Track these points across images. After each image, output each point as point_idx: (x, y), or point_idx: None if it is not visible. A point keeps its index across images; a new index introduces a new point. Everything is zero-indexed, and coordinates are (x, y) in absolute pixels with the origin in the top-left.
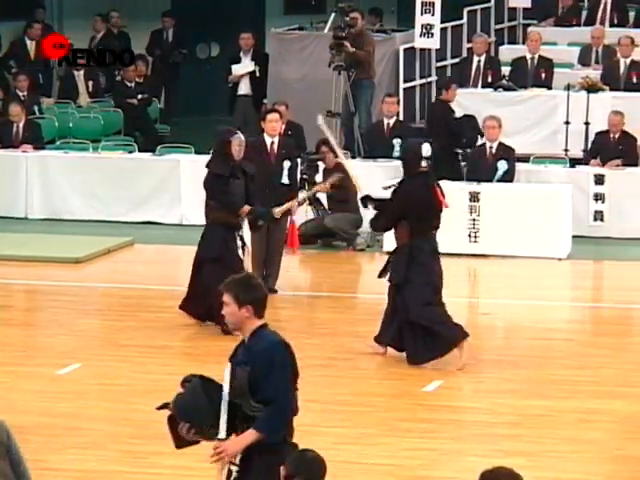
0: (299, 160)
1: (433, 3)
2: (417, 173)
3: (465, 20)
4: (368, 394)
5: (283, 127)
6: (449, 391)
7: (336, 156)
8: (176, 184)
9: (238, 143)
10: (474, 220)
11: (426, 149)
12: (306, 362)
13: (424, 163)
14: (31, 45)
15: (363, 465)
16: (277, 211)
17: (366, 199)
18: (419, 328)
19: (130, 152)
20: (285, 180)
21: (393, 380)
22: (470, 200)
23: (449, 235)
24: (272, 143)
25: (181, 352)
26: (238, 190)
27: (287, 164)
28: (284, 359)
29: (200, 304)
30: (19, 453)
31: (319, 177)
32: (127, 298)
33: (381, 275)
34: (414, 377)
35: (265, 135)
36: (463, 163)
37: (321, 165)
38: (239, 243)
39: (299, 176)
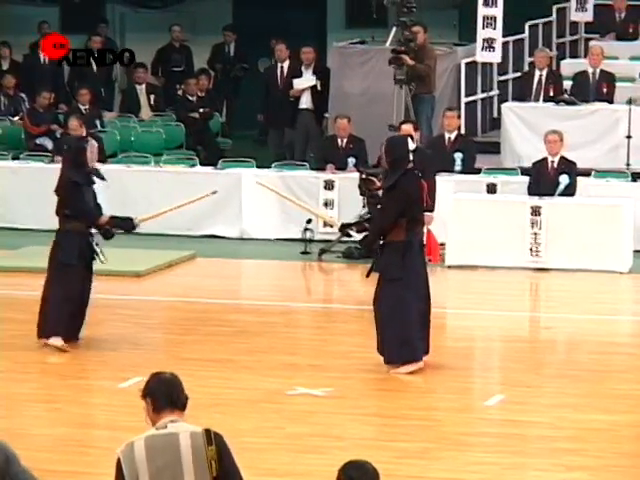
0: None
1: (495, 17)
2: (408, 169)
3: (527, 34)
4: (430, 408)
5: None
6: (511, 405)
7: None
8: (237, 198)
9: (91, 150)
10: (535, 234)
11: (411, 143)
12: (367, 376)
13: (411, 157)
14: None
15: None
16: (139, 220)
17: (344, 228)
18: (394, 326)
19: (192, 166)
20: None
21: (455, 394)
22: (532, 214)
23: (511, 249)
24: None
25: (243, 366)
26: (91, 197)
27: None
28: None
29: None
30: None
31: None
32: (189, 312)
33: (369, 274)
34: (476, 391)
35: None
36: None
37: None
38: (98, 249)
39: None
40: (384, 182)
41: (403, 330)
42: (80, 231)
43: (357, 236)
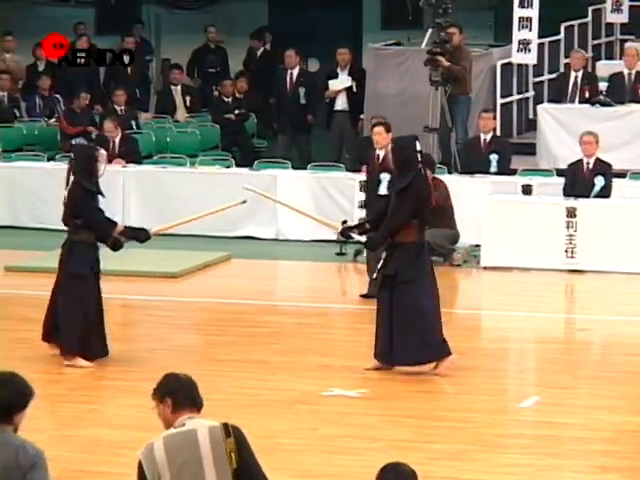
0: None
1: (530, 18)
2: (418, 169)
3: (562, 35)
4: (465, 410)
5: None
6: (546, 407)
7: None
8: None
9: (102, 159)
10: (571, 236)
11: (418, 143)
12: (402, 377)
13: (419, 157)
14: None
15: None
16: (154, 230)
17: (346, 230)
18: (412, 328)
19: (227, 167)
20: (383, 192)
21: (489, 396)
22: (567, 216)
23: (546, 251)
24: (377, 156)
25: (278, 367)
26: (100, 206)
27: (386, 176)
28: None
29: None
30: None
31: None
32: (224, 313)
33: (377, 274)
34: (510, 393)
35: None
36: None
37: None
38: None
39: None
40: (396, 183)
41: (423, 332)
42: (90, 242)
43: (359, 238)
